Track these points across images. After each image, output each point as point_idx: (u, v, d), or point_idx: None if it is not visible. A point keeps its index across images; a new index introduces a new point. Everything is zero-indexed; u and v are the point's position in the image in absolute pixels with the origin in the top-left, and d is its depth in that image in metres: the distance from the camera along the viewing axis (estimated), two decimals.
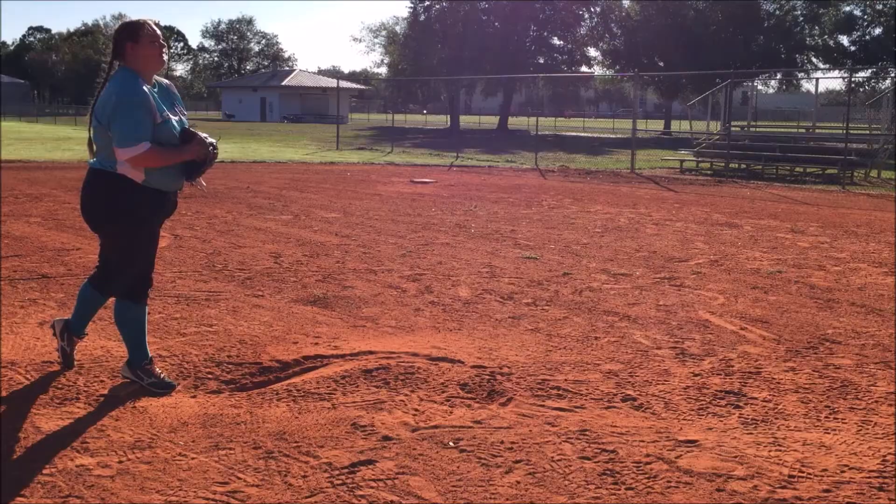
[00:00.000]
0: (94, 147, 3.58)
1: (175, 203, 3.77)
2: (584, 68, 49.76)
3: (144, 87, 3.44)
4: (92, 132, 3.56)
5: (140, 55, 3.47)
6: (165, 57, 3.57)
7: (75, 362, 4.01)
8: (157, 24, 3.60)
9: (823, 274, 6.87)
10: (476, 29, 46.01)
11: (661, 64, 44.88)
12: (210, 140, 3.61)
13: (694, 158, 21.30)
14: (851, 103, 22.59)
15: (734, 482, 2.91)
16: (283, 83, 68.31)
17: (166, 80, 3.72)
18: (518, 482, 2.90)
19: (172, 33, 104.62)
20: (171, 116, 3.54)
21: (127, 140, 3.38)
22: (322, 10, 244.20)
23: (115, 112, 3.39)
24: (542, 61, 48.08)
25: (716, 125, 24.10)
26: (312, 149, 26.58)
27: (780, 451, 3.20)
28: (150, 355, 3.80)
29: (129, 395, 3.66)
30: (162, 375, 3.80)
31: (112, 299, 3.85)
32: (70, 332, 3.94)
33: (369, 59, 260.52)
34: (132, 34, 3.47)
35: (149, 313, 5.01)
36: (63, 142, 26.84)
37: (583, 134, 44.99)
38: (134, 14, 3.82)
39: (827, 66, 42.73)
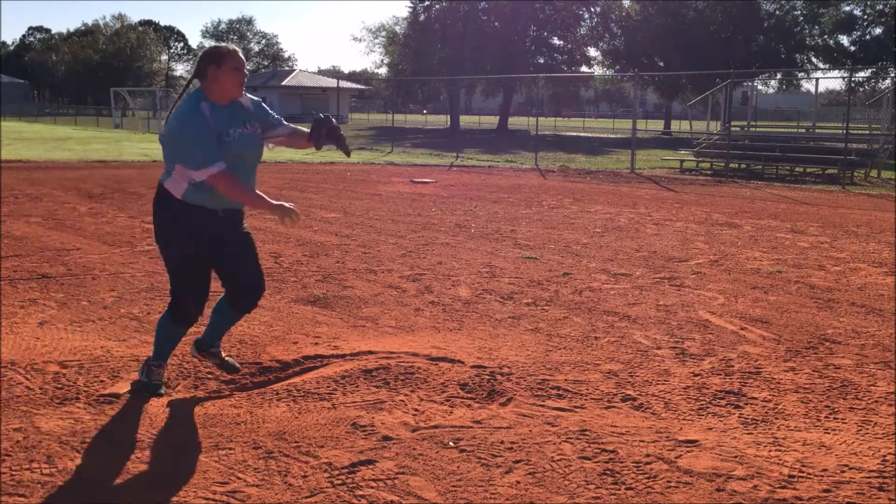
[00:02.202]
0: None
1: (235, 221, 3.66)
2: (584, 68, 49.79)
3: (206, 112, 3.43)
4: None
5: (220, 79, 3.49)
6: (242, 87, 3.56)
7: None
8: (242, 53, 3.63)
9: (823, 274, 6.87)
10: (476, 29, 46.00)
11: (661, 64, 44.87)
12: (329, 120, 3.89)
13: (694, 158, 21.30)
14: (851, 103, 22.58)
15: (734, 482, 2.91)
16: (283, 83, 68.27)
17: (248, 97, 3.66)
18: (518, 482, 2.90)
19: (172, 33, 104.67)
20: (232, 134, 3.49)
21: (198, 162, 3.38)
22: (322, 10, 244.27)
23: (179, 137, 3.42)
24: (541, 61, 48.05)
25: (716, 125, 24.10)
26: (312, 149, 26.53)
27: (780, 451, 3.20)
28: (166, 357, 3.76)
29: (129, 395, 3.66)
30: (158, 384, 3.72)
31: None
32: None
33: (369, 59, 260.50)
34: (217, 58, 3.50)
35: (149, 313, 5.04)
36: (63, 142, 26.85)
37: (583, 134, 44.98)
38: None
39: (827, 66, 42.74)
